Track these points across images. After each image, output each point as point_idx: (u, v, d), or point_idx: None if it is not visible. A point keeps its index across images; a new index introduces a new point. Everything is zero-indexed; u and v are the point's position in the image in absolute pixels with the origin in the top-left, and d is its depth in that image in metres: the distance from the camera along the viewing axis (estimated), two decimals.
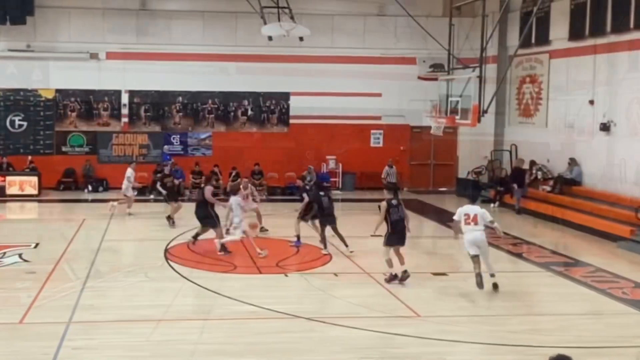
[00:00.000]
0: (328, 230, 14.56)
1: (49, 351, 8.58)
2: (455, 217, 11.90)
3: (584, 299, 11.61)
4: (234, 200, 14.35)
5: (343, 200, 22.24)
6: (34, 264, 13.20)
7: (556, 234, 17.52)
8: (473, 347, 9.18)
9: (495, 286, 11.63)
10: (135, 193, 19.59)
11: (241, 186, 16.09)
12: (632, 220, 15.76)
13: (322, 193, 14.75)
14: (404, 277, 12.02)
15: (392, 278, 12.10)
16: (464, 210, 11.74)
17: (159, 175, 18.92)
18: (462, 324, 10.04)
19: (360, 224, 15.33)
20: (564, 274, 13.25)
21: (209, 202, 14.39)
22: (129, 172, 19.36)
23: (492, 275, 11.69)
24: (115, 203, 18.87)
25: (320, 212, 14.49)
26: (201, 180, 23.17)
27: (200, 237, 14.68)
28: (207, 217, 14.38)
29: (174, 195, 17.81)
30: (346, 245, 14.34)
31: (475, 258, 11.47)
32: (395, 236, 12.08)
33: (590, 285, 12.34)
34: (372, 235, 15.11)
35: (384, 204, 12.23)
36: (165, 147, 24.31)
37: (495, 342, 9.31)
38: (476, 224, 11.53)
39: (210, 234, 14.53)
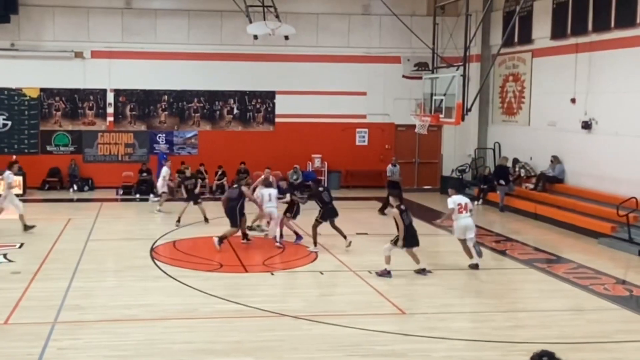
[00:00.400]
0: (322, 227, 14.67)
1: (34, 351, 8.57)
2: (450, 205, 13.06)
3: (566, 296, 11.76)
4: (267, 191, 14.61)
5: None
6: (19, 264, 13.16)
7: (539, 231, 17.68)
8: (458, 343, 9.29)
9: (479, 254, 13.09)
10: (166, 191, 19.50)
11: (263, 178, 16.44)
12: (613, 217, 15.92)
13: (321, 188, 14.90)
14: (423, 273, 12.65)
15: (384, 273, 12.44)
16: (457, 199, 13.04)
17: (179, 178, 18.88)
18: (447, 321, 10.16)
19: (346, 222, 15.38)
20: (547, 270, 13.41)
21: (240, 201, 14.48)
22: (165, 170, 19.55)
23: (479, 252, 13.05)
24: (159, 208, 19.15)
25: (322, 206, 14.57)
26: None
27: (188, 236, 14.65)
28: (233, 216, 14.49)
29: (194, 197, 17.78)
30: (344, 237, 14.50)
31: (463, 241, 13.15)
32: (409, 240, 12.61)
33: (573, 281, 12.51)
34: (357, 234, 15.34)
35: (395, 211, 12.59)
36: (161, 146, 24.24)
37: (479, 339, 9.45)
38: (467, 211, 13.04)
39: (195, 233, 14.53)
